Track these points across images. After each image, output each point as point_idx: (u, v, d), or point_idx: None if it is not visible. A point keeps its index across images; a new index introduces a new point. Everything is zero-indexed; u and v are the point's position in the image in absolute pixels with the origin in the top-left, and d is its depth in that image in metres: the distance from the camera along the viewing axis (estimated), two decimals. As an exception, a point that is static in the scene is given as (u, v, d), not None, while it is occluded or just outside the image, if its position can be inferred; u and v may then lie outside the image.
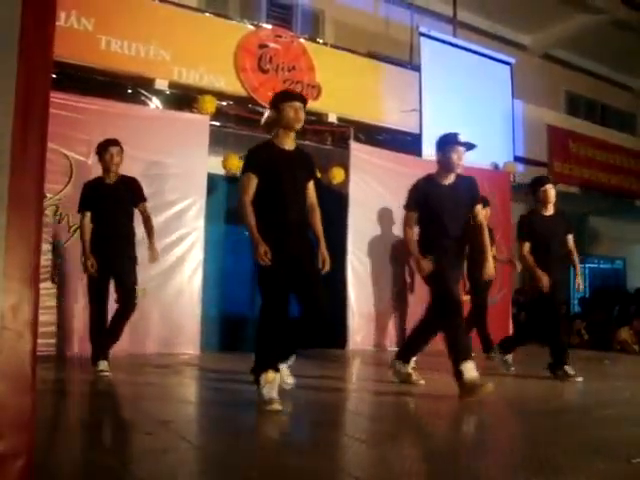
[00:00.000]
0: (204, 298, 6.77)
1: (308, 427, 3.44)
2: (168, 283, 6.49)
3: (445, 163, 4.56)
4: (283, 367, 3.95)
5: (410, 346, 4.92)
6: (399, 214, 8.07)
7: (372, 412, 3.94)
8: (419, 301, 8.02)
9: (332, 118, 8.22)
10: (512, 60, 10.26)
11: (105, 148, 5.09)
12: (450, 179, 4.60)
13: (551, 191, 5.61)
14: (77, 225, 5.90)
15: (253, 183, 3.79)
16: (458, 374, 4.14)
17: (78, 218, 5.24)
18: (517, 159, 10.05)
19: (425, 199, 4.57)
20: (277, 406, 3.50)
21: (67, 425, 3.19)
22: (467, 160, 8.70)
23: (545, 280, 5.30)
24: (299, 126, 3.93)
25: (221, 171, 7.63)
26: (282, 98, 3.93)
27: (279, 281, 3.70)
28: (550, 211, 5.64)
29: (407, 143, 8.93)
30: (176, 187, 6.65)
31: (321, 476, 2.33)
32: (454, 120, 9.12)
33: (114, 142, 5.13)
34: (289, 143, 3.95)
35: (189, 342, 6.55)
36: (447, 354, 4.26)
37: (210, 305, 7.10)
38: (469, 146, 4.61)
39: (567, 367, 5.32)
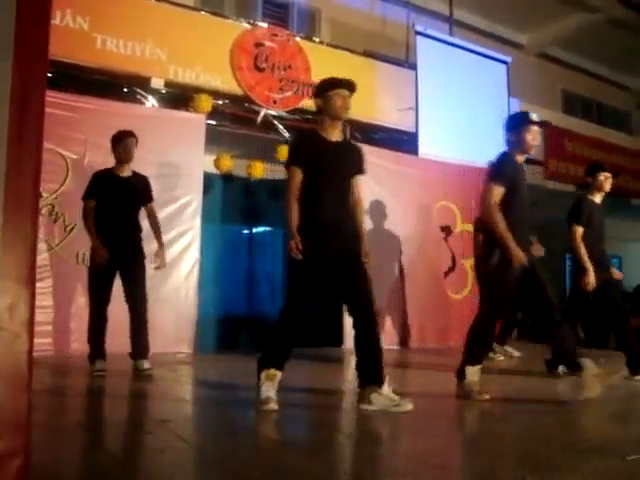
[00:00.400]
0: (200, 297, 6.77)
1: (305, 427, 3.44)
2: (164, 282, 6.47)
3: (518, 144, 4.17)
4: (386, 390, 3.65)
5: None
6: (396, 213, 8.15)
7: (370, 411, 3.93)
8: (415, 298, 8.09)
9: (329, 117, 8.21)
10: (508, 59, 10.27)
11: (119, 140, 5.04)
12: (521, 161, 4.26)
13: (610, 179, 5.46)
14: (73, 225, 5.94)
15: (298, 178, 3.65)
16: (460, 374, 4.12)
17: (75, 216, 5.26)
18: (513, 158, 10.05)
19: (511, 180, 4.11)
20: (273, 406, 3.48)
21: (64, 425, 3.18)
22: (463, 159, 8.84)
23: (592, 278, 5.08)
24: (346, 115, 3.79)
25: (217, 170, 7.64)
26: (330, 85, 3.73)
27: (310, 283, 3.64)
28: (599, 200, 5.50)
29: (403, 142, 8.95)
30: (172, 186, 6.63)
31: (318, 475, 2.33)
32: (450, 119, 9.14)
33: (129, 133, 5.07)
34: (336, 134, 3.80)
35: (185, 341, 6.53)
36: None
37: (206, 304, 7.10)
38: (542, 124, 4.27)
39: (562, 367, 5.34)
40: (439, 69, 9.27)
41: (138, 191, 5.13)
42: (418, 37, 9.19)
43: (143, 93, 7.07)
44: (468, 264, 8.11)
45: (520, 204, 4.16)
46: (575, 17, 11.59)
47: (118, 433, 3.12)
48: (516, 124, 4.21)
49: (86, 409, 3.85)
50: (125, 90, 6.99)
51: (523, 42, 12.42)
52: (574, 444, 2.93)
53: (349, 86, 3.73)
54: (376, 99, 8.68)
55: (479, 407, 3.92)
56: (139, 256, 5.05)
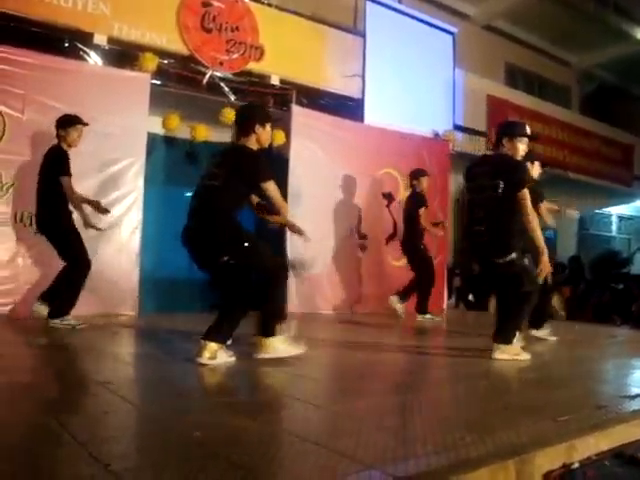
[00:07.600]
0: (142, 259, 6.71)
1: (250, 389, 3.48)
2: (106, 244, 6.39)
3: (511, 150, 4.57)
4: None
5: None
6: (338, 178, 8.20)
7: (313, 374, 4.01)
8: (356, 263, 8.21)
9: (274, 80, 8.15)
10: (455, 29, 10.35)
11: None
12: None
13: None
14: (10, 183, 5.80)
15: None
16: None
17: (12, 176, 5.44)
18: (457, 128, 10.22)
19: None
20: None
21: (4, 386, 3.14)
22: (408, 126, 8.93)
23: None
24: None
25: (162, 131, 7.51)
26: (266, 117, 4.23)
27: None
28: None
29: (349, 108, 8.95)
30: (115, 146, 6.50)
31: (265, 436, 2.37)
32: (396, 86, 9.20)
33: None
34: None
35: (127, 303, 6.50)
36: None
37: (148, 266, 7.03)
38: (534, 138, 4.78)
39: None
40: (387, 36, 9.28)
41: None
42: (368, 3, 9.16)
43: (85, 49, 6.83)
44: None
45: None
46: (521, -9, 11.74)
47: (60, 395, 3.10)
48: (513, 133, 4.58)
49: (26, 371, 3.79)
50: (66, 45, 6.73)
51: (470, 13, 12.50)
52: (507, 407, 3.06)
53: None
54: (323, 64, 8.66)
55: (416, 371, 4.04)
56: None
